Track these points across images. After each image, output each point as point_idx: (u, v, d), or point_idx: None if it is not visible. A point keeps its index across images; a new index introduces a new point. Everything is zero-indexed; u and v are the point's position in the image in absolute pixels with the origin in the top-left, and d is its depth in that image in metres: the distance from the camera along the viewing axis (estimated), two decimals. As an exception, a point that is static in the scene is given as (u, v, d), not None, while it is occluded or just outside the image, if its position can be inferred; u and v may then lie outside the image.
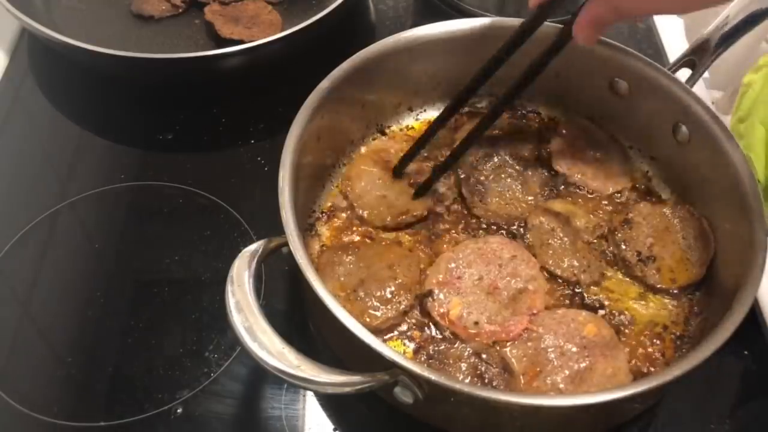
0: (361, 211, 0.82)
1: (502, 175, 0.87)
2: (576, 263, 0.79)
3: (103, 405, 0.73)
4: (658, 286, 0.77)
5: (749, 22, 0.81)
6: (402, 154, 0.87)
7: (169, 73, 0.99)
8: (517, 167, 0.88)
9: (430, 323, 0.74)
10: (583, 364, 0.69)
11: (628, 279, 0.79)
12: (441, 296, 0.75)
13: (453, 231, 0.83)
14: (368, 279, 0.75)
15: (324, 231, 0.82)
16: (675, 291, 0.77)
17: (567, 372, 0.69)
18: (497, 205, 0.85)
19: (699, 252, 0.78)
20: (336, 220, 0.83)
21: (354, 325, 0.60)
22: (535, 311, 0.74)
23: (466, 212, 0.84)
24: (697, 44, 0.84)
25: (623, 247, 0.80)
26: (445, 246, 0.81)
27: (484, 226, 0.83)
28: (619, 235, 0.81)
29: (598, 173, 0.88)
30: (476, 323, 0.73)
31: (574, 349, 0.70)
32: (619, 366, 0.69)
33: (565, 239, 0.81)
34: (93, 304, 0.81)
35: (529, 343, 0.71)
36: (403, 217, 0.82)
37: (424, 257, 0.79)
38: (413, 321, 0.74)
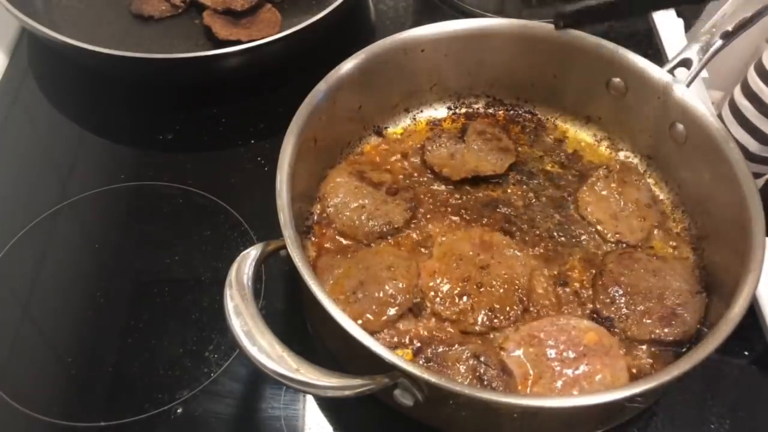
0: (339, 226, 0.81)
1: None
2: None
3: (103, 405, 0.73)
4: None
5: (747, 20, 0.81)
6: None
7: (169, 73, 0.99)
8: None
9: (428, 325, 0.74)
10: (582, 372, 0.69)
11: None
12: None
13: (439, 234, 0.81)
14: (367, 280, 0.74)
15: (322, 233, 0.81)
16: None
17: (566, 378, 0.68)
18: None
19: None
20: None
21: (353, 328, 0.60)
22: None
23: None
24: (693, 43, 0.84)
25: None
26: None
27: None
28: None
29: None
30: None
31: (574, 356, 0.70)
32: (618, 374, 0.69)
33: None
34: (93, 304, 0.82)
35: (531, 349, 0.71)
36: (385, 228, 0.81)
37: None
38: (412, 323, 0.74)
